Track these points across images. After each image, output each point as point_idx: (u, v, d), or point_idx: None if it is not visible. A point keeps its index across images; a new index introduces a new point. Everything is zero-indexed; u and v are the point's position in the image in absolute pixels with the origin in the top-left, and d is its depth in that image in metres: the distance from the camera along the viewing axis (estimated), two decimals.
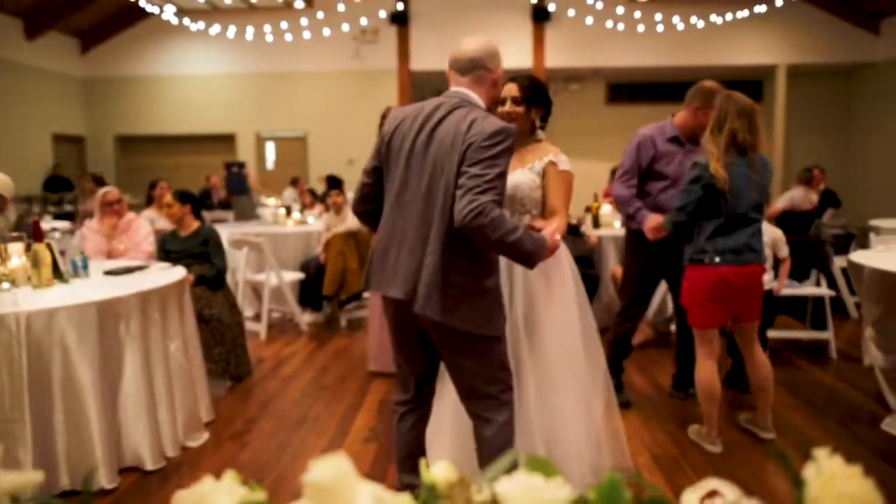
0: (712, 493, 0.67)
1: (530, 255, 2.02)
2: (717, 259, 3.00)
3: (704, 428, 3.24)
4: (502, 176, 1.99)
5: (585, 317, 2.65)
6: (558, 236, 2.27)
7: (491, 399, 2.18)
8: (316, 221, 6.99)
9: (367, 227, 2.41)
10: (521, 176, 2.51)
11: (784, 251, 4.00)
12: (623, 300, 3.87)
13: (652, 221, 3.44)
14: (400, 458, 2.36)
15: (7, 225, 3.96)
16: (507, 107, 2.57)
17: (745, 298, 3.07)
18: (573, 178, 2.59)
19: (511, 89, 2.58)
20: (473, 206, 1.89)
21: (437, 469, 0.66)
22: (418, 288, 2.06)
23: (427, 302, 2.04)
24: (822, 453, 0.61)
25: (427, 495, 0.64)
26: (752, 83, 11.61)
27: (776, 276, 4.06)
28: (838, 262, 5.17)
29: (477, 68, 2.16)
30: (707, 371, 3.14)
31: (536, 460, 0.66)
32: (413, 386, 2.32)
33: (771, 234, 3.98)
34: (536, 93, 2.60)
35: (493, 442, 2.15)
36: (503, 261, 2.39)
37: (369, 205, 2.29)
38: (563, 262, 2.63)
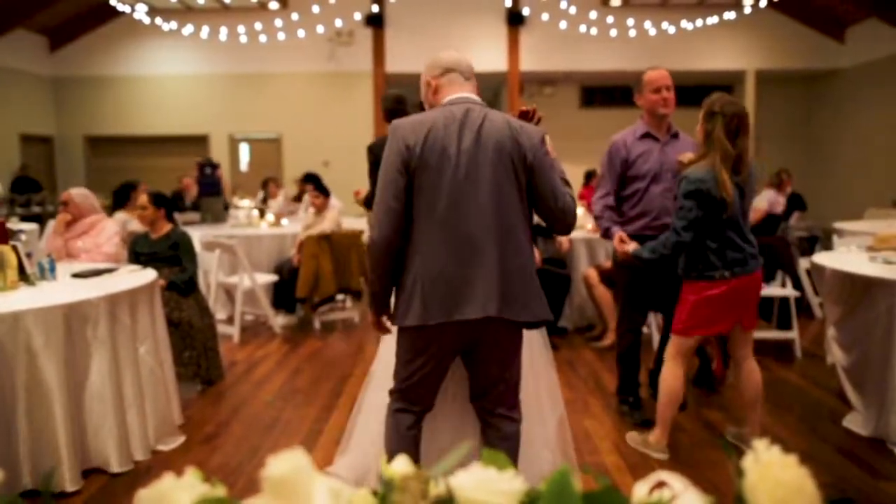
0: (660, 485, 0.70)
1: None
2: (727, 273, 2.92)
3: (656, 434, 3.15)
4: None
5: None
6: None
7: (517, 395, 2.25)
8: (290, 224, 6.95)
9: (387, 264, 2.12)
10: None
11: None
12: (617, 311, 3.80)
13: (620, 245, 3.28)
14: (392, 452, 2.25)
15: None
16: None
17: (749, 305, 3.04)
18: None
19: None
20: (574, 212, 2.17)
21: (395, 464, 0.68)
22: (512, 295, 2.05)
23: (527, 305, 2.09)
24: (761, 444, 0.64)
25: (384, 489, 0.66)
26: (722, 88, 11.78)
27: None
28: (803, 264, 5.30)
29: (474, 76, 2.26)
30: (679, 378, 3.09)
31: (490, 454, 0.68)
32: (427, 406, 2.28)
33: None
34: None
35: (517, 439, 2.24)
36: None
37: (403, 232, 2.09)
38: None
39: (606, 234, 3.52)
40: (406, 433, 2.25)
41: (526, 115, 2.32)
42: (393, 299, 2.20)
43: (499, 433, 2.23)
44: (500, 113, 2.15)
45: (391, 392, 2.28)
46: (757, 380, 3.12)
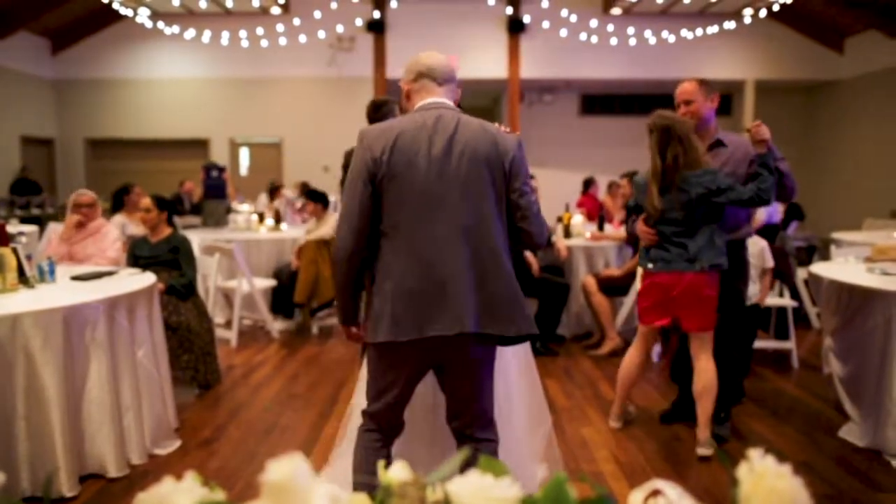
0: (655, 493, 0.70)
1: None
2: (650, 266, 3.29)
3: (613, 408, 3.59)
4: None
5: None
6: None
7: (491, 415, 2.15)
8: (290, 229, 6.96)
9: (351, 278, 2.05)
10: None
11: (771, 261, 4.19)
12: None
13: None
14: (358, 461, 2.20)
15: None
16: None
17: (686, 305, 3.25)
18: None
19: None
20: (545, 225, 2.06)
21: (393, 469, 0.69)
22: (494, 309, 1.96)
23: (512, 319, 1.98)
24: (754, 453, 0.65)
25: (382, 494, 0.66)
26: (721, 97, 11.84)
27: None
28: (801, 274, 5.31)
29: (451, 81, 2.12)
30: (632, 360, 3.47)
31: (488, 461, 0.69)
32: (397, 425, 2.18)
33: (759, 244, 4.19)
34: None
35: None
36: None
37: (368, 244, 2.02)
38: None
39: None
40: (375, 453, 2.15)
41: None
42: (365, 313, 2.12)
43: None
44: (475, 119, 2.04)
45: (363, 412, 2.18)
46: (705, 379, 3.21)
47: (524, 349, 2.60)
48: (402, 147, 1.94)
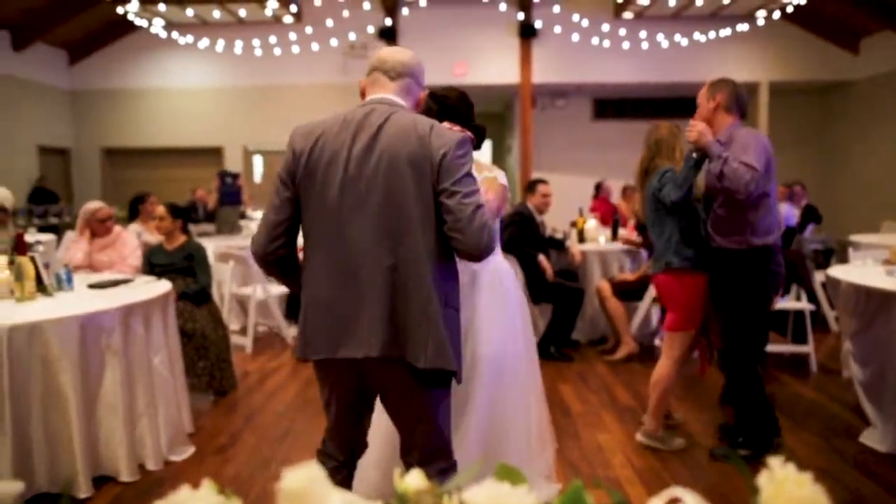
0: (674, 501, 0.70)
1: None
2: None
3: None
4: None
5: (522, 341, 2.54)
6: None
7: (445, 451, 1.93)
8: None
9: (276, 278, 1.98)
10: None
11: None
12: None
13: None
14: None
15: (8, 239, 3.93)
16: None
17: (666, 303, 3.45)
18: (506, 194, 2.49)
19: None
20: (487, 233, 1.71)
21: (409, 478, 0.69)
22: (402, 334, 1.74)
23: (423, 347, 1.74)
24: (775, 461, 0.64)
25: (398, 503, 0.66)
26: None
27: None
28: (818, 277, 5.25)
29: (407, 76, 1.89)
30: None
31: (504, 469, 0.68)
32: (351, 450, 2.01)
33: None
34: (445, 109, 2.32)
35: None
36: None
37: (285, 248, 1.87)
38: (505, 287, 2.52)
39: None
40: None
41: None
42: None
43: None
44: (410, 115, 1.82)
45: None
46: (656, 374, 3.36)
47: (528, 364, 2.51)
48: (322, 146, 1.79)
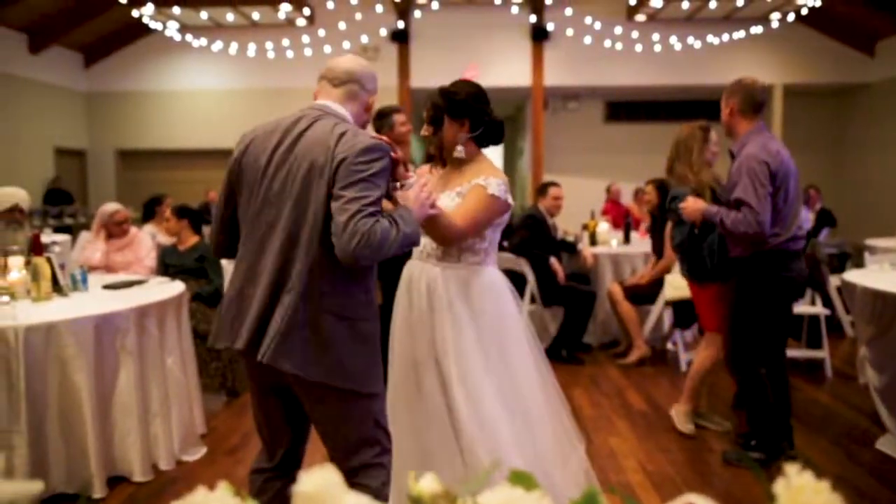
0: None
1: (412, 238, 1.78)
2: None
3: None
4: (381, 200, 1.76)
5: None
6: (425, 193, 1.94)
7: (366, 466, 1.89)
8: None
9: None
10: (441, 203, 2.14)
11: None
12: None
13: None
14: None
15: (25, 240, 3.97)
16: (422, 130, 2.31)
17: None
18: (498, 206, 2.19)
19: (427, 111, 2.30)
20: (358, 240, 1.64)
21: (423, 482, 0.69)
22: (267, 333, 1.76)
23: (279, 350, 1.74)
24: (792, 468, 0.63)
25: None
26: None
27: None
28: (834, 281, 5.20)
29: (351, 82, 1.94)
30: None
31: (518, 474, 0.68)
32: (277, 454, 2.00)
33: None
34: (453, 105, 2.24)
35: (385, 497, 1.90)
36: (424, 284, 2.20)
37: (229, 241, 1.99)
38: (501, 300, 2.30)
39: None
40: (257, 490, 1.96)
41: None
42: None
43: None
44: (333, 121, 1.84)
45: None
46: (696, 361, 3.66)
47: (539, 370, 2.33)
48: (252, 150, 1.90)
